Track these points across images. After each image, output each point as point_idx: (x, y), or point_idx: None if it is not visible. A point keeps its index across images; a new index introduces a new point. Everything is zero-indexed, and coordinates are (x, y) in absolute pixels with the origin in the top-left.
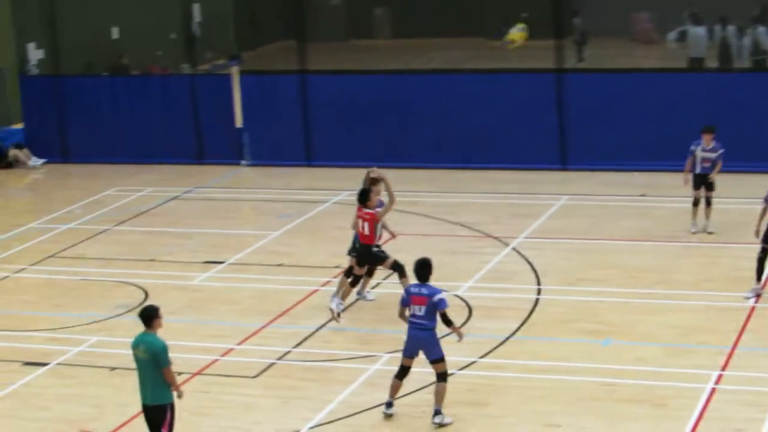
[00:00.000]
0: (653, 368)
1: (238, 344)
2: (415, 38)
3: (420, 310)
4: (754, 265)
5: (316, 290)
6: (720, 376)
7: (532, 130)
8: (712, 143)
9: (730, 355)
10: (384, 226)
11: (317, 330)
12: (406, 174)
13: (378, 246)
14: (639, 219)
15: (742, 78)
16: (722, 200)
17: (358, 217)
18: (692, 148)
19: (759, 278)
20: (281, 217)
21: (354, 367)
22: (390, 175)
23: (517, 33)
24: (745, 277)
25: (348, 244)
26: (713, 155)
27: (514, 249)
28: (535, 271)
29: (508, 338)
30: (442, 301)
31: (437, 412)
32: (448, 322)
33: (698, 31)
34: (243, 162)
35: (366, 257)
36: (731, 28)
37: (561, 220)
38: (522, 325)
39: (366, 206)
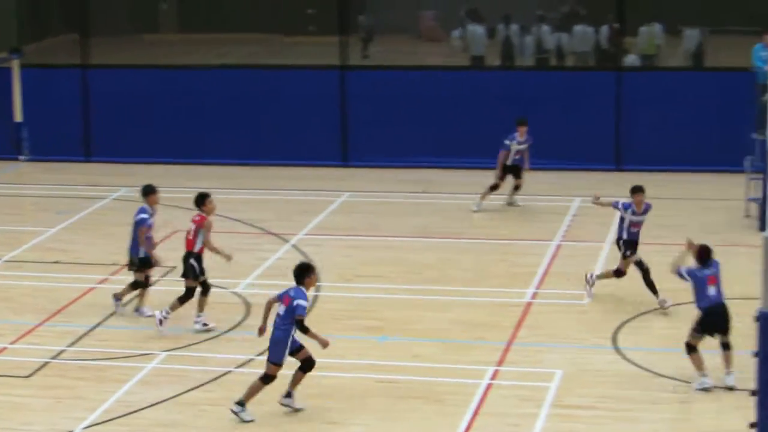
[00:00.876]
0: (430, 364)
1: (11, 343)
2: (202, 33)
3: (282, 311)
4: (560, 269)
5: (92, 288)
6: (496, 372)
7: (315, 126)
8: (526, 135)
9: (506, 351)
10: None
11: (93, 328)
12: (191, 170)
13: (197, 258)
14: (419, 215)
15: (525, 75)
16: (503, 197)
17: (191, 220)
18: (507, 142)
19: (655, 292)
20: (59, 213)
21: (130, 366)
22: (173, 171)
23: None
24: (523, 273)
25: (127, 241)
26: (524, 147)
27: (293, 246)
28: None
29: None
30: (299, 307)
31: (239, 403)
32: (304, 329)
33: (477, 30)
34: (21, 157)
35: (183, 263)
36: (514, 27)
37: (342, 216)
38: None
39: (201, 210)
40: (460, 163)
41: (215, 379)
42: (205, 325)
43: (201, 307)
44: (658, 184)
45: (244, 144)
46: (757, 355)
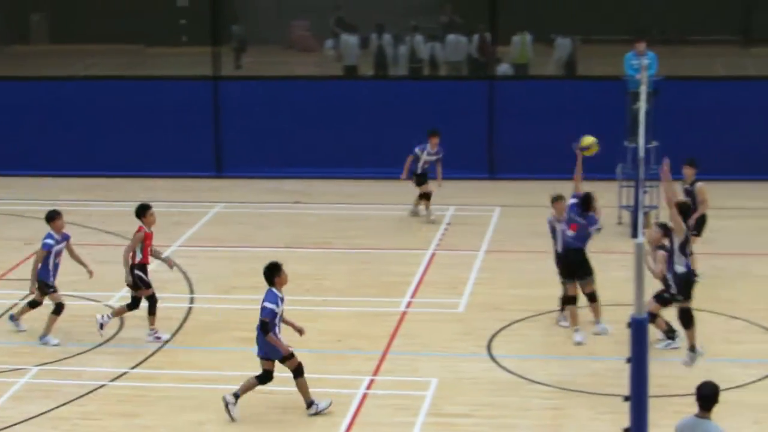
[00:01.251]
0: (307, 375)
1: None
2: (74, 44)
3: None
4: (435, 278)
5: None
6: (372, 381)
7: (187, 137)
8: (437, 147)
9: (381, 360)
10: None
11: None
12: (61, 182)
13: (140, 268)
14: (293, 226)
15: (398, 85)
16: (383, 207)
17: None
18: (417, 151)
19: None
20: None
21: (1, 381)
22: (42, 183)
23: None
24: (396, 282)
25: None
26: (435, 158)
27: (167, 258)
28: (188, 280)
29: (160, 348)
30: (264, 309)
31: (309, 404)
32: (265, 331)
33: (350, 39)
34: None
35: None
36: (387, 37)
37: (216, 227)
38: (175, 334)
39: (141, 221)
40: (334, 173)
41: (89, 393)
42: (158, 338)
43: (152, 321)
44: (531, 192)
45: (116, 155)
46: (629, 361)
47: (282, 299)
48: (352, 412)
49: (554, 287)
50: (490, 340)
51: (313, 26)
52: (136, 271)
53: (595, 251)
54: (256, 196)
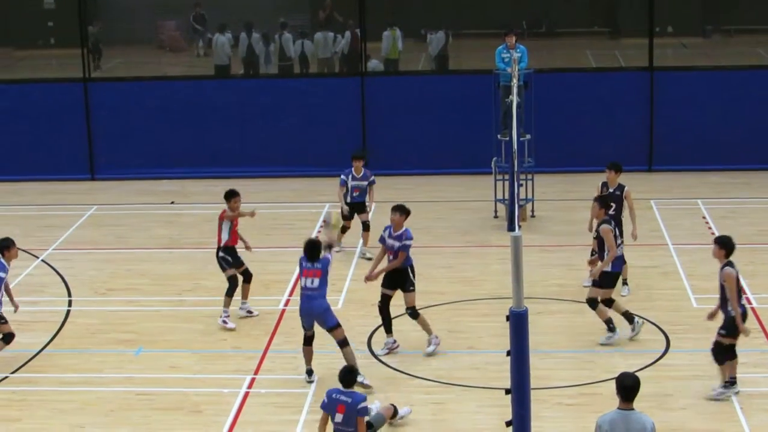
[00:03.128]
0: (187, 375)
1: None
2: None
3: (312, 282)
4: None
5: None
6: (253, 380)
7: (60, 140)
8: (362, 170)
9: (262, 359)
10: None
11: None
12: None
13: (226, 251)
14: (168, 227)
15: (269, 83)
16: (259, 203)
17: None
18: (343, 177)
19: (389, 330)
20: None
21: None
22: None
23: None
24: (275, 281)
25: None
26: (364, 183)
27: (43, 261)
28: (65, 283)
29: (39, 352)
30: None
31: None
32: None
33: (222, 39)
34: None
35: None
36: (256, 35)
37: (90, 230)
38: (53, 338)
39: (228, 206)
40: (208, 173)
41: None
42: (249, 312)
43: (245, 294)
44: (407, 188)
45: None
46: (509, 354)
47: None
48: (234, 411)
49: (428, 283)
50: (370, 337)
51: (182, 26)
52: (221, 253)
53: (473, 245)
54: (130, 197)
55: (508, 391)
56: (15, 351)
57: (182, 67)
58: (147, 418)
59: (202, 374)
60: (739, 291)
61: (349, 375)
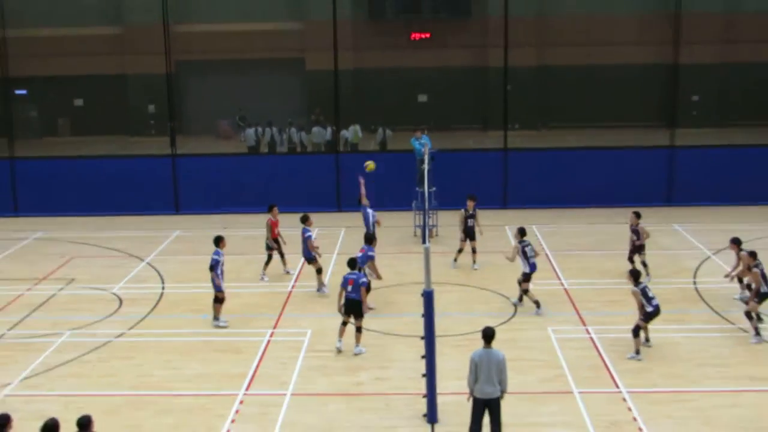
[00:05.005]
0: (230, 331)
1: None
2: None
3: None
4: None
5: None
6: (272, 333)
7: (155, 190)
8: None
9: (278, 320)
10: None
11: None
12: None
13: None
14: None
15: (283, 159)
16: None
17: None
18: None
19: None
20: None
21: None
22: None
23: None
24: (285, 275)
25: None
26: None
27: (148, 263)
28: (160, 275)
29: (144, 318)
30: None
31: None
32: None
33: (250, 131)
34: None
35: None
36: (275, 129)
37: (176, 245)
38: (153, 308)
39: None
40: (251, 209)
41: None
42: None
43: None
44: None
45: None
46: (423, 315)
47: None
48: (261, 349)
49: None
50: None
51: (231, 123)
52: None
53: (402, 252)
54: (202, 224)
55: (422, 338)
56: (129, 317)
57: (231, 148)
58: (207, 354)
59: (242, 329)
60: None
61: (352, 262)
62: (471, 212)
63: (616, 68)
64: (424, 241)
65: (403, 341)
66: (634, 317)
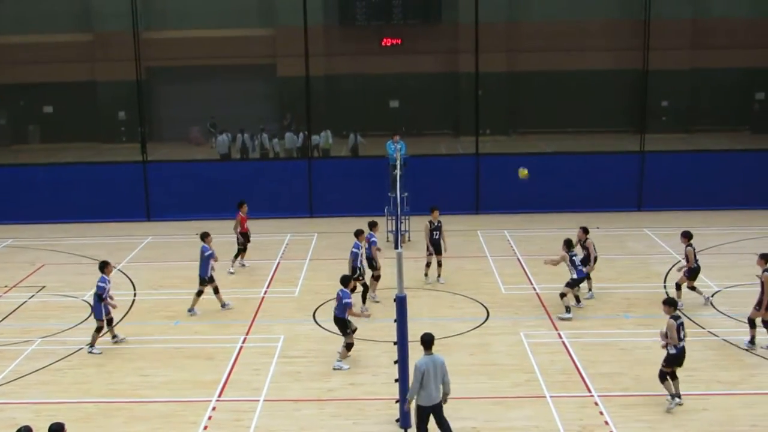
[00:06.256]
0: (198, 336)
1: None
2: None
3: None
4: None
5: None
6: (245, 338)
7: (127, 196)
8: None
9: (250, 326)
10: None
11: None
12: None
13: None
14: (194, 246)
15: (256, 165)
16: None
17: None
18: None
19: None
20: None
21: None
22: None
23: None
24: (257, 279)
25: None
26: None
27: (119, 270)
28: (132, 282)
29: (117, 323)
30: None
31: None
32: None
33: (223, 138)
34: None
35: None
36: (247, 135)
37: (146, 251)
38: (125, 315)
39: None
40: (221, 216)
41: None
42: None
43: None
44: (338, 224)
45: None
46: (395, 321)
47: None
48: (234, 356)
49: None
50: (315, 312)
51: (201, 129)
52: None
53: (380, 257)
54: (173, 230)
55: (395, 343)
56: None
57: (203, 155)
58: (180, 361)
59: (214, 335)
60: None
61: (343, 279)
62: (436, 224)
63: (587, 74)
64: (396, 246)
65: (376, 346)
66: (606, 321)
